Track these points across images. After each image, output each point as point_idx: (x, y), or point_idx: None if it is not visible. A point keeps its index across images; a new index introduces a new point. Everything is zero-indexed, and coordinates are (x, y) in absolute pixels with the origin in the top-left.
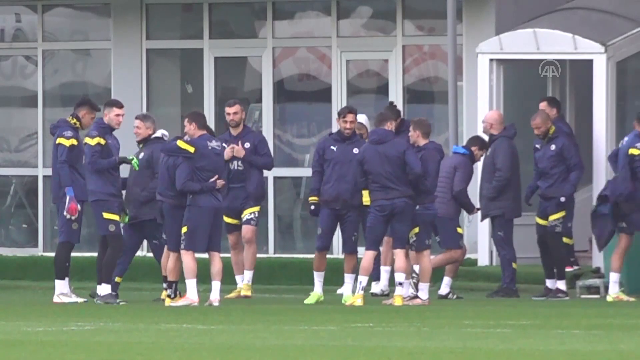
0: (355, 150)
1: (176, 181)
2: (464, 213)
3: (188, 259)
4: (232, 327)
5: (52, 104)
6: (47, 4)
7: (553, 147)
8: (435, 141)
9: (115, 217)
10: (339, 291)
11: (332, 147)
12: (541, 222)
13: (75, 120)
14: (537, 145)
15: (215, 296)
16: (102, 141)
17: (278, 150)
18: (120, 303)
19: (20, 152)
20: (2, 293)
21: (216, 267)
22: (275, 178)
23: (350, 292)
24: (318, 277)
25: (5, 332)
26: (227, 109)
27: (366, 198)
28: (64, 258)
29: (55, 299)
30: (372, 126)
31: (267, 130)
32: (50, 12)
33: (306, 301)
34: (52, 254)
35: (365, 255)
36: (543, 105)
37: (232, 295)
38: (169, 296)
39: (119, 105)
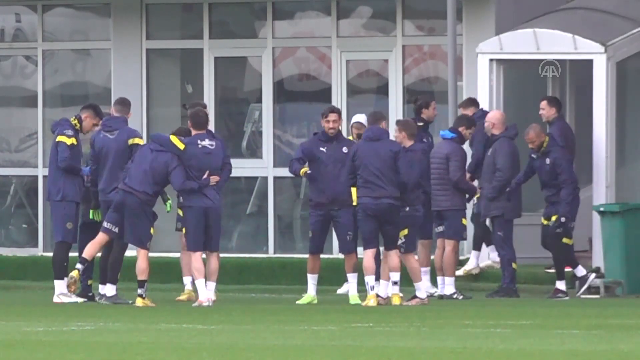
0: (345, 149)
1: (174, 182)
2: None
3: (193, 260)
4: (232, 327)
5: (52, 104)
6: (47, 4)
7: (548, 160)
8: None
9: None
10: (339, 291)
11: (321, 148)
12: (545, 222)
13: (76, 121)
14: (534, 155)
15: (209, 295)
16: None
17: (278, 150)
18: (130, 302)
19: (20, 152)
20: (2, 293)
21: (211, 266)
22: (275, 178)
23: (355, 292)
24: (312, 280)
25: (5, 332)
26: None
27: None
28: (61, 258)
29: (55, 299)
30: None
31: (267, 130)
32: (50, 12)
33: (298, 302)
34: (52, 254)
35: (364, 255)
36: (543, 104)
37: (183, 297)
38: (140, 295)
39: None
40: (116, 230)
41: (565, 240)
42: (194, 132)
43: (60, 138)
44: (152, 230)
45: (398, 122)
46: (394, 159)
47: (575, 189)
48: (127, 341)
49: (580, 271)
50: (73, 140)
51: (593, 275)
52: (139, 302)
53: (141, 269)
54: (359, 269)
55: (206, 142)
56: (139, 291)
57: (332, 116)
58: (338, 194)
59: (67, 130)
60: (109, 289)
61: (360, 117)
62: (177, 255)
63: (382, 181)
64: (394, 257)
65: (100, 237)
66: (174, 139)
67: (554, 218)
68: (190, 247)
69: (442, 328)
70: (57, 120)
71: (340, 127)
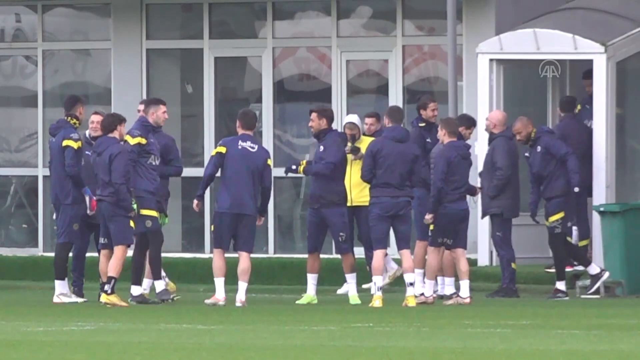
0: (321, 148)
1: (114, 174)
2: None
3: (215, 257)
4: (232, 327)
5: (52, 104)
6: (47, 4)
7: (539, 148)
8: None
9: (153, 213)
10: (339, 291)
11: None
12: (548, 223)
13: (74, 120)
14: (527, 154)
15: (240, 297)
16: (143, 141)
17: (278, 150)
18: (175, 298)
19: (20, 152)
20: (2, 293)
21: (241, 266)
22: (275, 178)
23: (355, 292)
24: (311, 279)
25: (5, 332)
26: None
27: (363, 198)
28: (64, 258)
29: (55, 299)
30: (362, 125)
31: (267, 130)
32: (50, 12)
33: (298, 302)
34: (52, 254)
35: (374, 255)
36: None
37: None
38: (105, 292)
39: (164, 102)
40: (107, 240)
41: (569, 239)
42: (240, 132)
43: (67, 142)
44: (132, 224)
45: (440, 120)
46: (414, 162)
47: (577, 161)
48: (127, 341)
49: (594, 269)
50: (79, 144)
51: (607, 273)
52: (103, 297)
53: (111, 265)
54: (357, 268)
55: (247, 144)
56: (105, 287)
57: (312, 115)
58: (319, 193)
59: (73, 134)
60: (135, 289)
61: (353, 118)
62: (177, 255)
63: (402, 184)
64: (408, 257)
65: (103, 254)
66: (215, 149)
67: (552, 219)
68: (214, 244)
69: (442, 328)
70: (55, 123)
71: (323, 127)
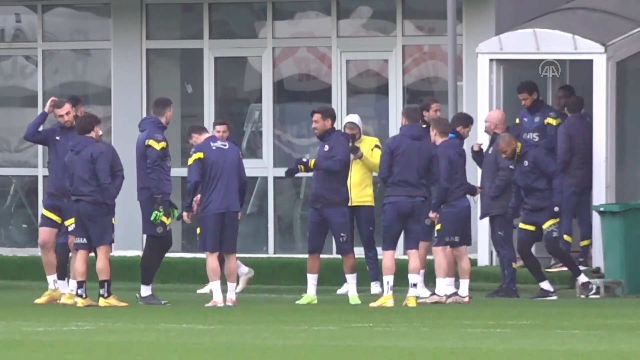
0: (326, 148)
1: (100, 175)
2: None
3: (209, 261)
4: (232, 327)
5: None
6: (47, 4)
7: (526, 162)
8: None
9: (167, 220)
10: (339, 291)
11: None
12: (525, 227)
13: (74, 120)
14: (512, 167)
15: (230, 297)
16: (165, 144)
17: (278, 151)
18: (164, 303)
19: (20, 152)
20: (2, 293)
21: (229, 268)
22: (275, 178)
23: (355, 292)
24: (311, 280)
25: (5, 332)
26: (57, 111)
27: (363, 198)
28: (65, 259)
29: None
30: (373, 124)
31: (267, 130)
32: (50, 12)
33: (298, 302)
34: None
35: (385, 255)
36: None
37: (43, 299)
38: (102, 296)
39: (171, 102)
40: (85, 240)
41: (566, 237)
42: (202, 138)
43: None
44: (113, 220)
45: (430, 120)
46: (431, 159)
47: (562, 180)
48: (127, 341)
49: (547, 285)
50: None
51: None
52: (102, 302)
53: (98, 268)
54: (357, 269)
55: (219, 144)
56: (100, 291)
57: (315, 116)
58: (321, 192)
59: None
60: (143, 290)
61: (353, 118)
62: (177, 255)
63: (419, 181)
64: (415, 258)
65: (79, 255)
66: (192, 157)
67: (548, 223)
68: (208, 247)
69: (442, 328)
70: (53, 126)
71: (328, 127)
